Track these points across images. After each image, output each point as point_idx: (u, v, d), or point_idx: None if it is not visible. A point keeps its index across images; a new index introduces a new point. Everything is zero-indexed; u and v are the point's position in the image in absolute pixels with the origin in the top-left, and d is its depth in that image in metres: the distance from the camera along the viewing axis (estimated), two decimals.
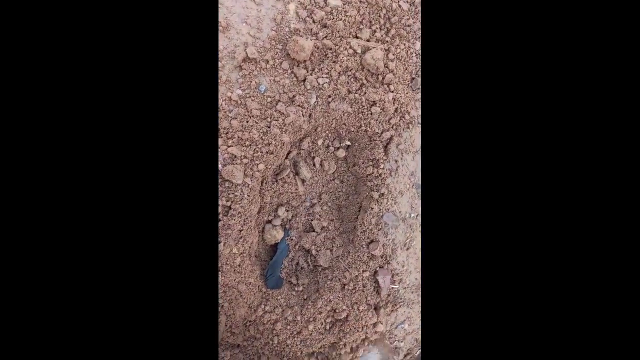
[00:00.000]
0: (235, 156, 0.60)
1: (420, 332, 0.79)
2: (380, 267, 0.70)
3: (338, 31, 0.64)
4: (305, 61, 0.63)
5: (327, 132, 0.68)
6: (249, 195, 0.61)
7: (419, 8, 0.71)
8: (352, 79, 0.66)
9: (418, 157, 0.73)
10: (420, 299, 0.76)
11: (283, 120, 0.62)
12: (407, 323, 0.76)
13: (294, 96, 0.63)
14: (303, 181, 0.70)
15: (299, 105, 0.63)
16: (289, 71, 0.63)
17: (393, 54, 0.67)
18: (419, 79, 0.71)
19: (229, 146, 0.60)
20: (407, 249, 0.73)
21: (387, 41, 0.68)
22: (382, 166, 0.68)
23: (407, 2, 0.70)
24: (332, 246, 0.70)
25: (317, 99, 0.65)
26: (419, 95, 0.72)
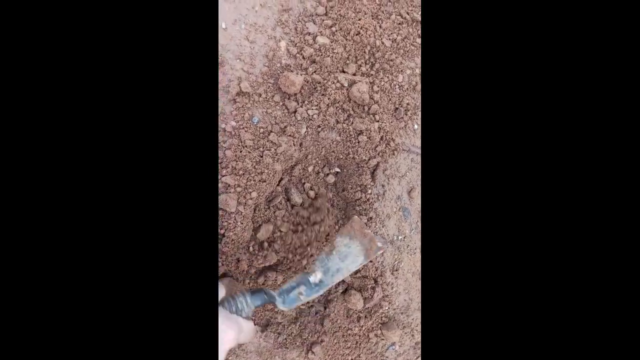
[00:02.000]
0: (229, 185, 0.62)
1: (410, 353, 0.80)
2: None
3: (326, 66, 0.69)
4: (295, 94, 0.67)
5: (317, 159, 0.72)
6: (242, 223, 0.63)
7: (401, 44, 0.77)
8: (339, 110, 0.70)
9: (404, 182, 0.76)
10: (410, 320, 0.78)
11: (275, 149, 0.65)
12: (398, 344, 0.78)
13: (285, 127, 0.67)
14: (294, 207, 0.72)
15: (290, 135, 0.66)
16: (281, 104, 0.67)
17: (377, 87, 0.72)
18: (402, 108, 0.76)
19: (222, 175, 0.62)
20: (396, 270, 0.76)
21: (371, 74, 0.73)
22: (369, 191, 0.72)
23: (389, 39, 0.76)
24: None
25: (307, 129, 0.68)
26: (402, 124, 0.76)
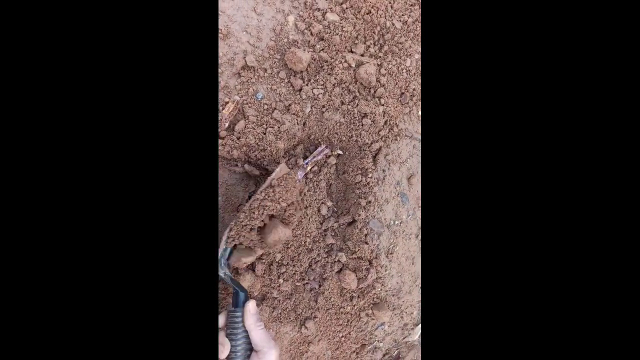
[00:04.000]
0: None
1: (398, 333, 0.83)
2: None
3: (334, 45, 0.67)
4: (302, 72, 0.66)
5: (320, 140, 0.71)
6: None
7: (412, 27, 0.75)
8: (345, 91, 0.69)
9: (404, 168, 0.77)
10: (400, 302, 0.80)
11: (278, 127, 0.65)
12: (387, 325, 0.80)
13: (289, 105, 0.66)
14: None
15: (294, 114, 0.66)
16: (286, 80, 0.66)
17: (385, 69, 0.71)
18: (408, 94, 0.75)
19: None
20: (390, 254, 0.77)
21: (380, 57, 0.71)
22: (370, 175, 0.72)
23: (400, 21, 0.74)
24: None
25: (311, 108, 0.67)
26: (407, 109, 0.76)
